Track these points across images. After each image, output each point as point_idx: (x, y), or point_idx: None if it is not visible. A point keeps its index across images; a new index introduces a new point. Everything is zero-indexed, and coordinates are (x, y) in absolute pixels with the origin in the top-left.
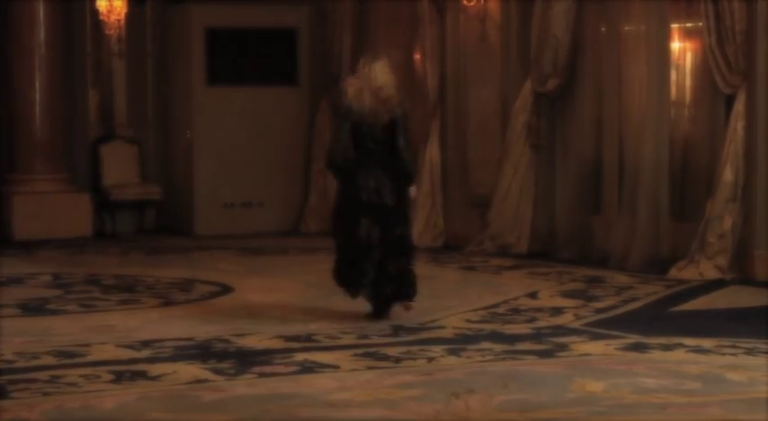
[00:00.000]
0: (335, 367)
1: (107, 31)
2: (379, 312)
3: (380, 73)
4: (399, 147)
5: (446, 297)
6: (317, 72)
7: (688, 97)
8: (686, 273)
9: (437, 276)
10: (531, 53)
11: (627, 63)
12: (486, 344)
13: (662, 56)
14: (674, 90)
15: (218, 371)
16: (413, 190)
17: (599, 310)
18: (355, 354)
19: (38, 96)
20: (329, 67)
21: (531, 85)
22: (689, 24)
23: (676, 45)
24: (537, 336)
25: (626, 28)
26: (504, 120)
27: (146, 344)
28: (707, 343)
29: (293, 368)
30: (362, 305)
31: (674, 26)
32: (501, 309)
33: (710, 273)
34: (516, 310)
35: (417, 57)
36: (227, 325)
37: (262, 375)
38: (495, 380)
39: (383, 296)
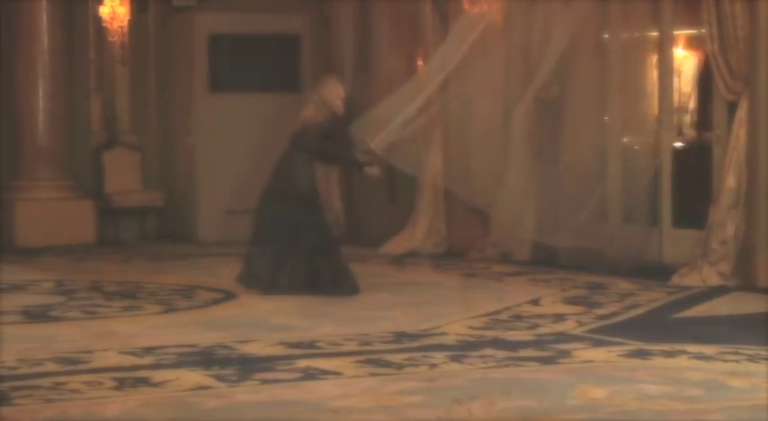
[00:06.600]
0: (338, 374)
1: (110, 38)
2: None
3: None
4: None
5: (448, 303)
6: (320, 78)
7: (691, 104)
8: (689, 279)
9: (439, 283)
10: (532, 59)
11: (629, 69)
12: (488, 351)
13: (665, 62)
14: (676, 97)
15: (220, 378)
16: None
17: (601, 317)
18: (358, 361)
19: (41, 103)
20: (332, 73)
21: (533, 91)
22: (692, 31)
23: (679, 52)
24: (539, 343)
25: (628, 34)
26: (506, 126)
27: (148, 350)
28: (709, 349)
29: (296, 374)
30: (365, 311)
31: (677, 33)
32: (503, 316)
33: (713, 280)
34: (518, 317)
35: (420, 62)
36: (230, 331)
37: (264, 382)
38: (498, 386)
39: None
